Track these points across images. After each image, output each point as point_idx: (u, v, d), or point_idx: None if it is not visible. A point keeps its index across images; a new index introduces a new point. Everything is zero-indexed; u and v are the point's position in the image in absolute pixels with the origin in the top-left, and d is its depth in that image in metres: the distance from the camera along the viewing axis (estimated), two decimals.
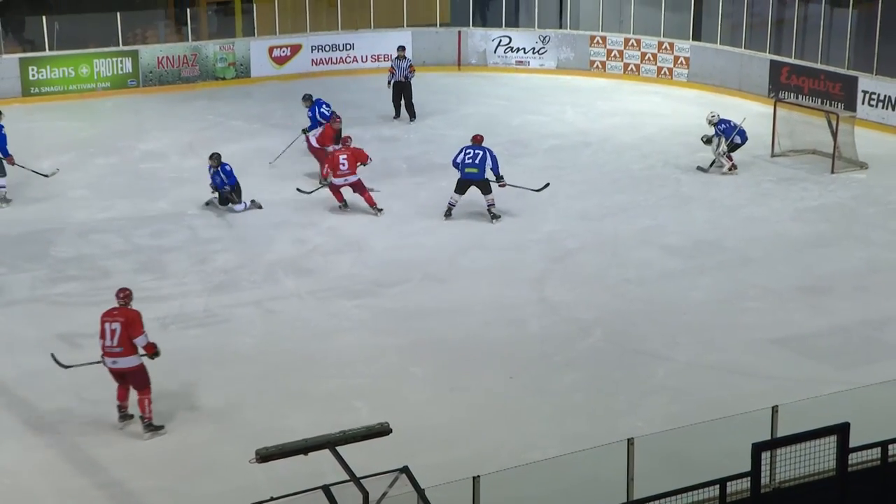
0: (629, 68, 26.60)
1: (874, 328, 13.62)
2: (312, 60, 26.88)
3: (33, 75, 24.32)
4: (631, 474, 8.68)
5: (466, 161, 17.03)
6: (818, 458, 8.46)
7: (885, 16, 22.30)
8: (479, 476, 8.22)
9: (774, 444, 8.56)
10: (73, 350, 12.63)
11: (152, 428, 11.19)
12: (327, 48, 27.01)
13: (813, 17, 24.03)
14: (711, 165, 19.47)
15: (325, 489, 7.94)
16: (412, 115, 22.93)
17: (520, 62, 27.47)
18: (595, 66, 26.99)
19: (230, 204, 17.45)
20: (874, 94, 22.22)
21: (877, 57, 22.28)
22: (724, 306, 14.28)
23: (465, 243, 16.44)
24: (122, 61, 25.06)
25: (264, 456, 7.66)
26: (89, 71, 24.77)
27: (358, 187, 17.42)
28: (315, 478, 8.49)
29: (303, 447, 7.73)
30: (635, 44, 26.45)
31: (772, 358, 12.84)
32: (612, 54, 26.74)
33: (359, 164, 17.41)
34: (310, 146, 19.10)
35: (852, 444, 8.48)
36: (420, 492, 7.93)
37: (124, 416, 11.31)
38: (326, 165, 17.49)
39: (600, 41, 26.86)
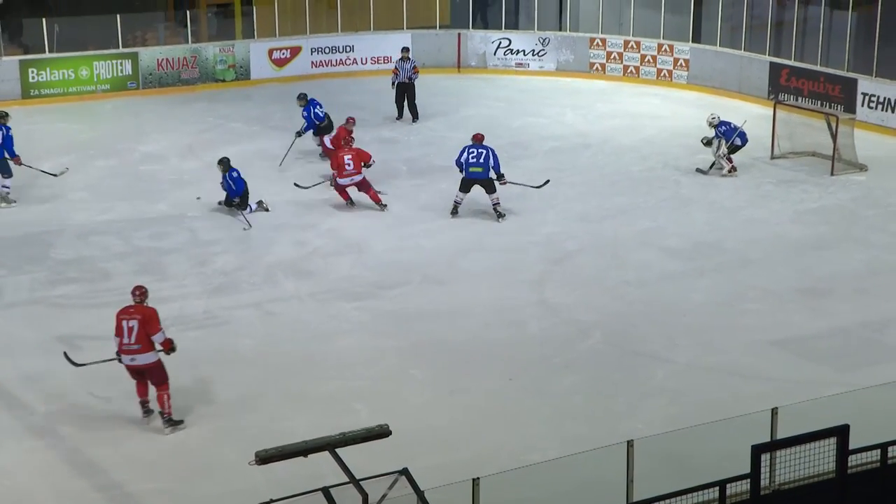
0: (629, 70, 26.60)
1: (874, 330, 13.62)
2: (312, 62, 26.87)
3: (33, 77, 24.33)
4: (630, 476, 8.68)
5: (470, 160, 17.09)
6: (818, 460, 8.47)
7: (885, 18, 22.30)
8: (478, 478, 8.21)
9: (774, 445, 8.56)
10: (73, 352, 12.62)
11: (172, 423, 11.30)
12: (327, 50, 27.01)
13: (812, 20, 24.04)
14: (711, 167, 19.47)
15: (325, 491, 7.94)
16: (415, 116, 22.99)
17: (519, 64, 27.47)
18: (595, 68, 26.99)
19: (237, 209, 17.38)
20: (874, 96, 22.22)
21: (876, 59, 22.28)
22: (724, 308, 14.29)
23: (465, 245, 16.45)
24: (121, 63, 25.06)
25: (264, 458, 7.66)
26: (89, 73, 24.77)
27: (363, 185, 17.63)
28: (315, 480, 8.48)
29: (302, 449, 7.74)
30: (635, 46, 26.45)
31: (771, 360, 12.84)
32: (612, 56, 26.75)
33: (363, 164, 17.56)
34: (324, 147, 19.37)
35: (852, 445, 8.49)
36: (420, 494, 7.93)
37: (147, 411, 11.45)
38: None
39: (600, 43, 26.86)
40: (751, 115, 21.02)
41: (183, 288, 14.83)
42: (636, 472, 8.68)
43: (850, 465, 8.57)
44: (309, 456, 7.82)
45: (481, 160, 17.08)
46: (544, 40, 27.31)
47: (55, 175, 18.47)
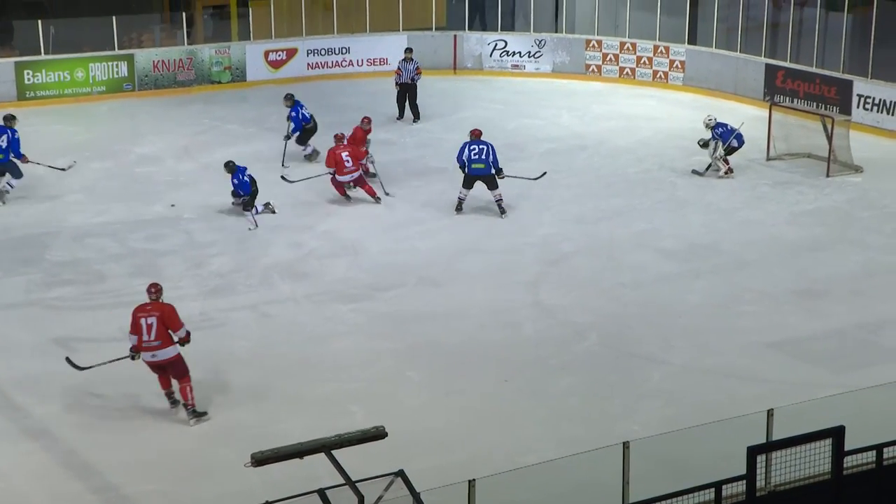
0: (625, 72, 26.62)
1: (869, 331, 13.63)
2: (308, 64, 26.86)
3: (29, 79, 24.30)
4: (626, 478, 8.68)
5: (473, 157, 17.19)
6: (814, 462, 8.48)
7: (880, 20, 22.35)
8: (474, 480, 8.21)
9: (770, 447, 8.57)
10: (68, 354, 12.63)
11: (197, 414, 11.44)
12: (323, 52, 27.00)
13: (808, 21, 24.08)
14: (707, 169, 19.48)
15: (321, 493, 7.93)
16: (416, 116, 23.10)
17: (515, 66, 27.48)
18: (591, 69, 27.00)
19: (243, 209, 17.39)
20: (869, 97, 22.25)
21: (871, 61, 22.31)
22: (720, 310, 14.29)
23: (461, 247, 16.45)
24: (117, 65, 25.04)
25: (260, 460, 7.66)
26: (85, 75, 24.75)
27: (359, 181, 17.93)
28: (311, 482, 8.48)
29: (298, 451, 7.74)
30: (631, 47, 26.47)
31: (767, 361, 12.85)
32: (608, 58, 26.76)
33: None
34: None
35: (847, 447, 8.50)
36: (416, 495, 7.93)
37: (174, 401, 11.63)
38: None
39: (596, 45, 26.88)
40: (746, 116, 21.04)
41: (179, 290, 14.79)
42: (632, 473, 8.68)
43: (845, 466, 8.58)
44: (305, 458, 7.82)
45: (483, 156, 17.20)
46: (540, 42, 27.33)
47: (63, 169, 18.62)
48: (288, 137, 19.95)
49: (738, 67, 24.85)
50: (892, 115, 21.92)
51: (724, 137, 19.30)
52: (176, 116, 23.71)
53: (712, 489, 8.42)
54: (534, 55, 27.37)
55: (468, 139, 17.52)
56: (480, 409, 11.85)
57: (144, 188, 18.98)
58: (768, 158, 20.33)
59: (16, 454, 11.00)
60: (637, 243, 16.52)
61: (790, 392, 11.63)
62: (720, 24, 25.55)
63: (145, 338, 11.27)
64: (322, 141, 19.68)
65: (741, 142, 19.46)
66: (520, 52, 27.43)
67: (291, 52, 26.73)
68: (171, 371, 11.47)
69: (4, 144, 17.80)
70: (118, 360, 11.63)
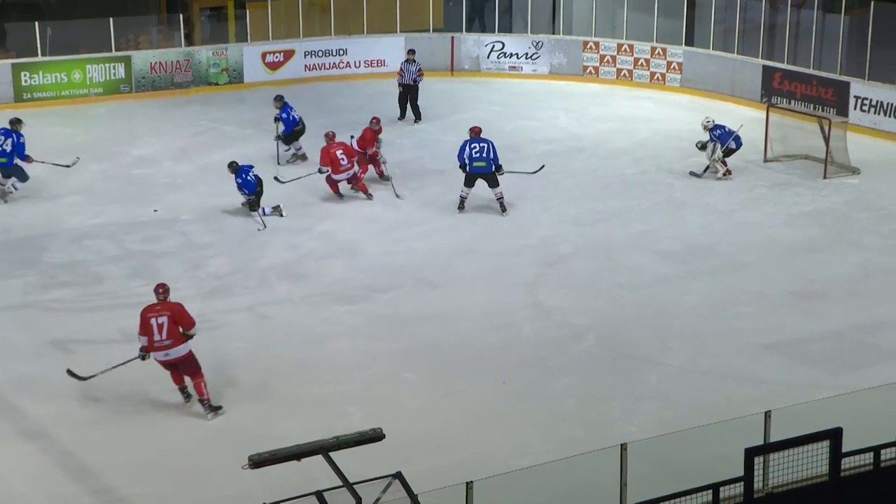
0: (622, 73, 26.62)
1: (867, 333, 13.64)
2: (305, 66, 26.84)
3: (25, 81, 24.28)
4: (624, 480, 8.68)
5: (474, 155, 17.24)
6: (811, 463, 8.48)
7: (877, 22, 22.34)
8: (472, 482, 8.21)
9: (767, 448, 8.57)
10: (66, 357, 12.64)
11: (213, 408, 11.53)
12: (320, 53, 26.99)
13: (805, 23, 24.08)
14: (705, 171, 19.48)
15: (318, 495, 7.92)
16: (417, 117, 23.16)
17: (513, 67, 27.48)
18: (588, 71, 27.00)
19: (250, 209, 17.38)
20: (866, 99, 22.26)
21: (869, 62, 22.32)
22: (717, 311, 14.30)
23: (458, 248, 16.45)
24: (114, 67, 25.02)
25: (257, 462, 7.65)
26: (82, 76, 24.73)
27: (353, 178, 18.12)
28: (308, 484, 8.45)
29: (296, 453, 7.73)
30: (628, 49, 26.47)
31: (765, 363, 12.85)
32: (605, 59, 26.76)
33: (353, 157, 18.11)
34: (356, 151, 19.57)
35: (845, 448, 8.50)
36: (413, 497, 7.92)
37: (187, 395, 11.73)
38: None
39: (593, 46, 26.87)
40: (744, 118, 21.04)
41: (176, 292, 14.62)
42: (630, 475, 8.68)
43: (843, 467, 8.58)
44: (302, 460, 7.81)
45: (484, 154, 17.28)
46: (537, 43, 27.33)
47: (68, 165, 18.72)
48: (279, 138, 19.98)
49: (736, 69, 24.85)
50: (889, 116, 21.94)
51: (723, 139, 19.30)
52: (173, 118, 23.70)
53: (710, 491, 8.42)
54: (531, 57, 27.37)
55: (468, 137, 17.55)
56: (478, 410, 11.85)
57: (142, 190, 18.97)
58: (765, 160, 20.34)
59: (13, 456, 11.00)
60: (634, 245, 16.53)
61: (787, 393, 11.63)
62: (717, 25, 25.55)
63: (157, 337, 11.33)
64: (312, 144, 19.65)
65: (739, 144, 19.46)
66: (517, 54, 27.42)
67: (289, 54, 26.72)
68: (184, 369, 11.55)
69: (9, 148, 17.82)
70: (126, 363, 11.61)
